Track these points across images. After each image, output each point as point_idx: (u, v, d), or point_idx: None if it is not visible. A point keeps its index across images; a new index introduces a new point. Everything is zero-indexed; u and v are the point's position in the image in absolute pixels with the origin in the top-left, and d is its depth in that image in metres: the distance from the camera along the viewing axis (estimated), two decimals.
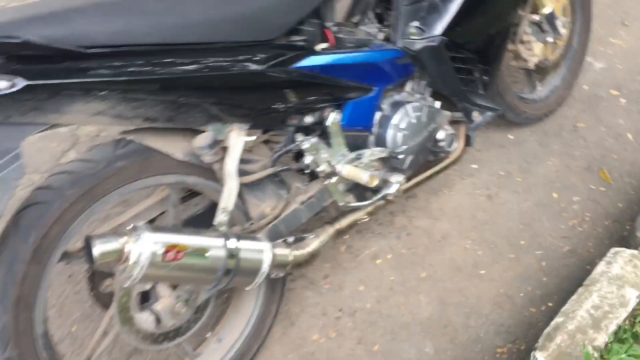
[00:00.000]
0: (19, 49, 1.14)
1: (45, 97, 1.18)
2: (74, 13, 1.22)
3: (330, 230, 1.71)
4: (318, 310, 1.95)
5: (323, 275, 2.04)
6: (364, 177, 1.58)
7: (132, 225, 1.31)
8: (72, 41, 1.19)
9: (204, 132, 1.43)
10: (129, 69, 1.25)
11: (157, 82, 1.29)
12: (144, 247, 1.28)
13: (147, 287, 1.51)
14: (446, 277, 2.02)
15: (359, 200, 1.78)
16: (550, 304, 1.95)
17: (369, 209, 1.79)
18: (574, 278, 1.98)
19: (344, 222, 1.75)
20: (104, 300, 1.63)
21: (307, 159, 1.59)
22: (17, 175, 1.22)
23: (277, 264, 1.52)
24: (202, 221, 1.80)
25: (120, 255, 1.27)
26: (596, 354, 1.58)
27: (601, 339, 1.62)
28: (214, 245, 1.39)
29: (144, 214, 1.63)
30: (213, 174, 1.52)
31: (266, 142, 1.70)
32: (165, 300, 1.49)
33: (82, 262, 1.51)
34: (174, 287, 1.52)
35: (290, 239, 1.61)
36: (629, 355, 1.58)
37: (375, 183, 1.60)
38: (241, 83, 1.43)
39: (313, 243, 1.64)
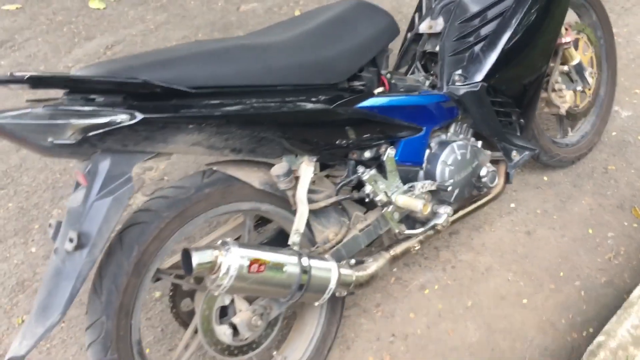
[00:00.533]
0: (138, 88, 1.37)
1: (156, 129, 1.40)
2: (179, 60, 1.47)
3: (386, 255, 1.89)
4: (372, 335, 2.10)
5: (375, 304, 2.19)
6: (418, 205, 1.77)
7: (221, 240, 1.51)
8: (178, 82, 1.42)
9: (277, 164, 1.64)
10: (222, 107, 1.48)
11: (244, 118, 1.51)
12: (233, 259, 1.47)
13: (227, 302, 1.69)
14: (491, 305, 2.16)
15: (410, 229, 1.96)
16: (590, 330, 2.07)
17: (420, 237, 1.96)
18: (612, 306, 2.11)
19: (398, 249, 1.93)
20: (183, 318, 1.82)
21: (367, 189, 1.79)
22: (128, 195, 1.44)
23: (342, 282, 1.69)
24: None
25: (213, 266, 1.46)
26: None
27: None
28: (290, 262, 1.57)
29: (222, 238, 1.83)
30: (284, 203, 1.72)
31: (327, 176, 1.91)
32: (243, 313, 1.66)
33: (172, 279, 1.71)
34: (250, 302, 1.69)
35: (352, 261, 1.78)
36: None
37: (428, 210, 1.78)
38: (312, 119, 1.65)
39: (372, 266, 1.82)
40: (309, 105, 1.62)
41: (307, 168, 1.69)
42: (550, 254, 2.33)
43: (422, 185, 1.90)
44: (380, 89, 1.83)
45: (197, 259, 1.44)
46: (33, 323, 1.41)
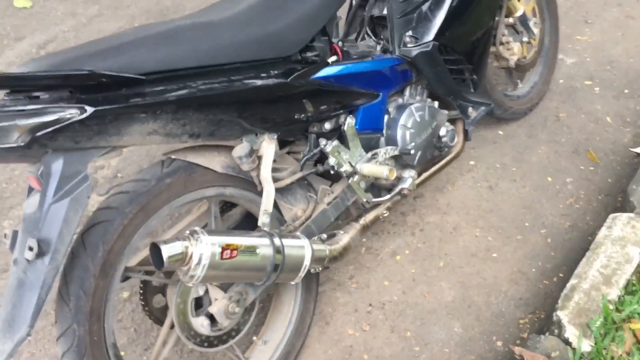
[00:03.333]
0: (85, 80, 1.29)
1: (108, 121, 1.33)
2: (125, 46, 1.39)
3: (357, 226, 1.87)
4: (349, 308, 2.09)
5: (349, 277, 2.18)
6: (383, 171, 1.75)
7: (189, 230, 1.45)
8: (127, 70, 1.35)
9: (237, 146, 1.59)
10: (176, 91, 1.41)
11: (199, 100, 1.45)
12: (204, 247, 1.41)
13: (201, 292, 1.64)
14: (463, 263, 2.18)
15: (377, 197, 1.95)
16: (561, 275, 2.11)
17: (388, 204, 1.95)
18: (579, 249, 2.15)
19: (367, 218, 1.91)
20: (156, 315, 1.76)
21: (330, 161, 1.76)
22: (86, 194, 1.37)
23: (316, 258, 1.66)
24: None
25: (184, 258, 1.40)
26: (611, 307, 1.75)
27: (614, 293, 1.78)
28: (262, 243, 1.53)
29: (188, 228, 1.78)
30: (249, 184, 1.67)
31: (289, 153, 1.86)
32: (219, 302, 1.62)
33: (142, 276, 1.64)
34: (225, 290, 1.65)
35: (324, 236, 1.76)
36: None
37: (394, 176, 1.76)
38: (268, 96, 1.59)
39: (344, 238, 1.80)
40: (263, 81, 1.56)
41: (268, 146, 1.64)
42: (514, 205, 2.37)
43: (385, 152, 1.88)
44: (333, 58, 1.79)
45: (167, 251, 1.38)
46: (0, 339, 1.34)
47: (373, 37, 2.06)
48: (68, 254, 1.44)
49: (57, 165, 1.34)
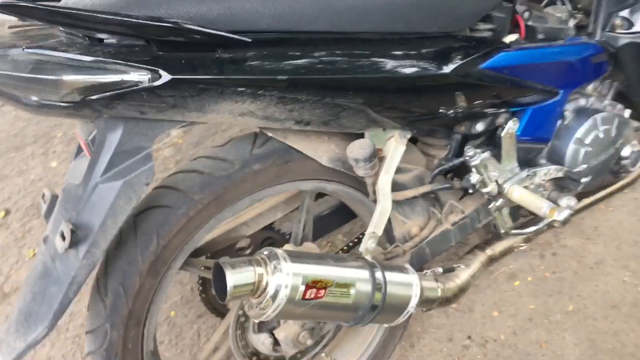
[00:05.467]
0: (165, 34, 0.89)
1: (190, 94, 0.94)
2: None
3: (482, 257, 1.44)
4: (443, 333, 1.70)
5: None
6: (542, 208, 1.28)
7: (267, 251, 1.08)
8: (226, 24, 0.93)
9: (356, 141, 1.16)
10: (291, 65, 0.99)
11: (322, 82, 1.03)
12: (284, 280, 1.04)
13: None
14: (598, 314, 1.72)
15: (513, 220, 1.49)
16: None
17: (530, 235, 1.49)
18: None
19: (497, 248, 1.47)
20: (214, 305, 1.45)
21: (473, 178, 1.30)
22: (145, 180, 1.01)
23: (424, 300, 1.26)
24: (327, 223, 1.58)
25: (255, 288, 1.04)
26: None
27: None
28: (360, 278, 1.14)
29: (266, 214, 1.42)
30: (359, 183, 1.26)
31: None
32: (289, 327, 1.27)
33: (200, 271, 1.32)
34: None
35: (439, 270, 1.34)
36: None
37: (554, 217, 1.29)
38: (414, 84, 1.14)
39: (464, 274, 1.37)
40: (413, 65, 1.10)
41: (397, 147, 1.21)
42: None
43: (546, 173, 1.40)
44: (512, 37, 1.28)
45: (233, 279, 1.01)
46: (12, 333, 1.06)
47: (568, 4, 1.50)
48: (115, 235, 1.12)
49: (114, 135, 0.98)
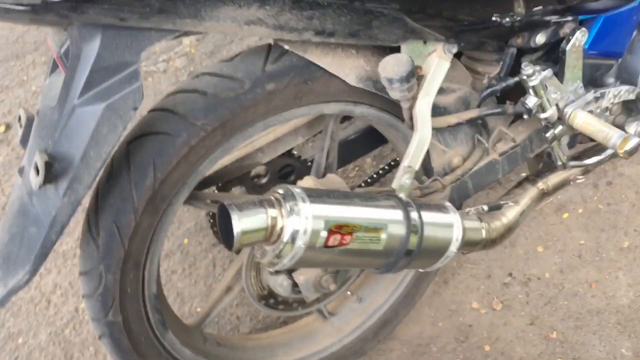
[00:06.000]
0: None
1: None
2: None
3: (533, 191, 1.25)
4: (481, 270, 1.55)
5: None
6: (611, 137, 1.07)
7: (282, 189, 0.91)
8: None
9: (390, 56, 0.96)
10: None
11: None
12: (302, 225, 0.88)
13: None
14: None
15: (569, 147, 1.29)
16: None
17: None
18: None
19: (551, 181, 1.27)
20: None
21: (530, 101, 1.09)
22: (132, 103, 0.84)
23: (466, 242, 1.09)
24: (355, 148, 1.40)
25: (268, 234, 0.88)
26: None
27: None
28: (393, 220, 0.97)
29: (285, 139, 1.24)
30: (392, 106, 1.07)
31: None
32: (310, 270, 1.12)
33: (206, 206, 1.16)
34: None
35: (484, 207, 1.16)
36: None
37: (626, 148, 1.08)
38: None
39: (512, 212, 1.19)
40: None
41: (440, 64, 1.00)
42: None
43: (616, 94, 1.18)
44: None
45: (241, 224, 0.85)
46: None
47: None
48: (107, 165, 0.96)
49: (90, 47, 0.80)
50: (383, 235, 0.96)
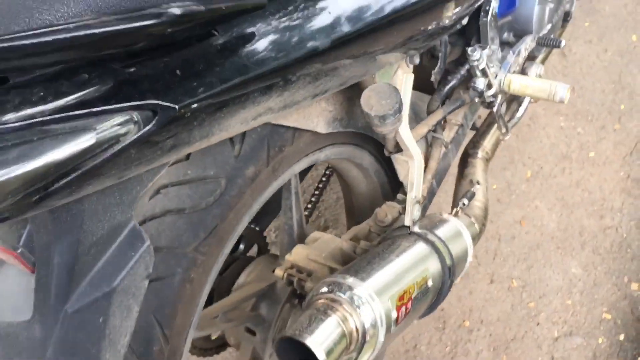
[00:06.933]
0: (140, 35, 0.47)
1: (198, 122, 0.54)
2: None
3: (480, 163, 1.22)
4: None
5: None
6: (557, 92, 1.07)
7: (323, 287, 0.75)
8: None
9: (370, 90, 0.83)
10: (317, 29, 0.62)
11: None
12: (373, 311, 0.74)
13: None
14: (555, 170, 1.65)
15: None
16: None
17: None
18: None
19: (487, 147, 1.26)
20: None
21: (480, 83, 1.04)
22: (146, 267, 0.62)
23: (473, 238, 1.04)
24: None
25: (348, 341, 0.73)
26: None
27: None
28: (427, 259, 0.88)
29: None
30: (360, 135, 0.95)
31: None
32: None
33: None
34: None
35: (465, 202, 1.11)
36: None
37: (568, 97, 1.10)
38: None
39: (480, 193, 1.15)
40: None
41: (407, 78, 0.90)
42: (598, 80, 1.80)
43: (526, 46, 1.19)
44: None
45: (322, 346, 0.69)
46: None
47: None
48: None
49: (67, 227, 0.56)
50: (430, 282, 0.86)
